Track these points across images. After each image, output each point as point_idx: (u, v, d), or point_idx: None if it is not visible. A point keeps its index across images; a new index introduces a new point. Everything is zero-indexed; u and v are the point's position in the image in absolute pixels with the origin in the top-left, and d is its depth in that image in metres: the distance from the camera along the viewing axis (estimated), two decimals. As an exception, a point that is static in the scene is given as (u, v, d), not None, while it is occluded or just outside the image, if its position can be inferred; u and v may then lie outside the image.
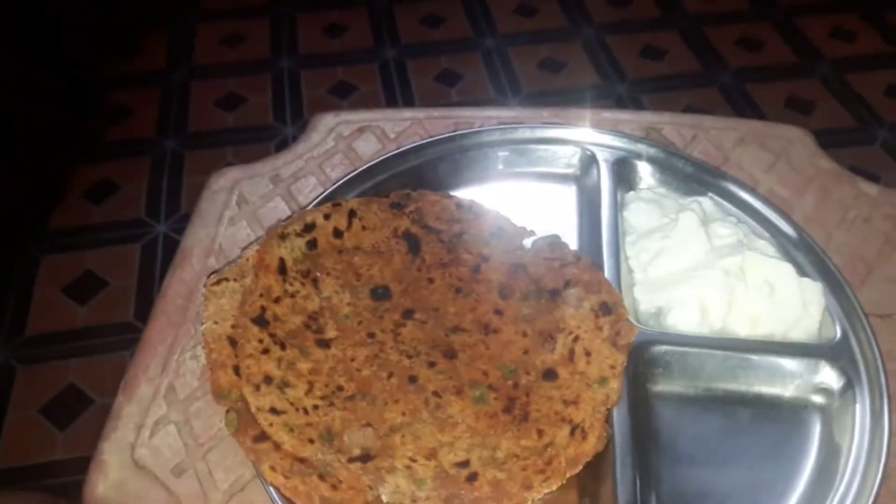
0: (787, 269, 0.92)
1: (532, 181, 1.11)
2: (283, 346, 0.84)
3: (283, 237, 0.92)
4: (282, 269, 0.90)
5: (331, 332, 0.88)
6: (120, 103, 2.53)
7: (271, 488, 0.75)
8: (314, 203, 1.01)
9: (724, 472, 0.82)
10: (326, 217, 0.96)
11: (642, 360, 0.87)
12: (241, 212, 1.06)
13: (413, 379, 0.84)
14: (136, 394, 0.87)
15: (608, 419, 0.81)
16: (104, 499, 0.79)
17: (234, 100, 2.55)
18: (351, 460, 0.77)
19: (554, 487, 0.75)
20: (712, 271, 0.91)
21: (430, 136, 1.12)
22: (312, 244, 0.94)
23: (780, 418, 0.86)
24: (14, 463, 1.72)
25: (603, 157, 1.07)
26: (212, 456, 0.82)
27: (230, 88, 2.59)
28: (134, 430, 0.84)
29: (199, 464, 0.81)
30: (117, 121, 2.47)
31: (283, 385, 0.81)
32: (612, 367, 0.84)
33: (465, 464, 0.77)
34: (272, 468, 0.75)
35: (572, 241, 1.00)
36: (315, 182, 1.09)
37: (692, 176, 1.07)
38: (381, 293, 0.92)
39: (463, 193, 1.05)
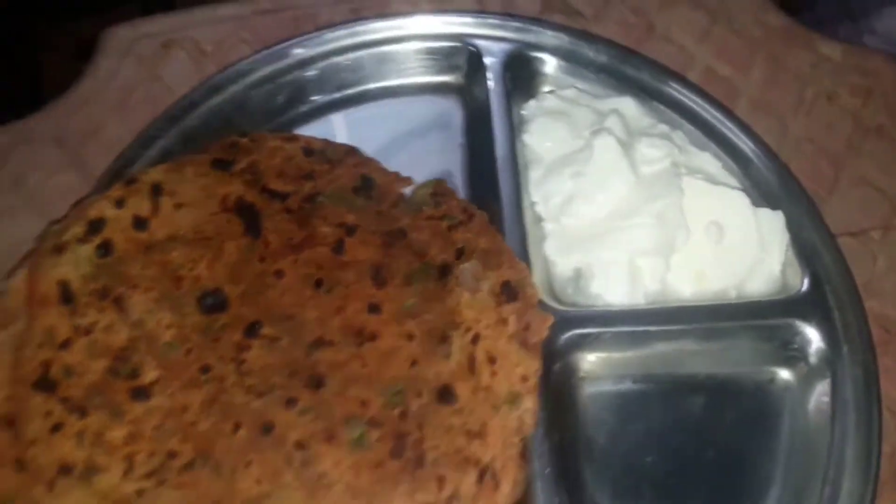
0: (739, 201, 0.71)
1: (405, 99, 0.84)
2: (82, 413, 0.61)
3: (59, 249, 0.66)
4: (65, 297, 0.65)
5: (150, 374, 0.64)
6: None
7: None
8: (106, 177, 0.74)
9: (685, 488, 0.66)
10: (119, 203, 0.69)
11: (559, 350, 0.67)
12: (20, 197, 0.78)
13: (268, 428, 0.63)
14: None
15: (524, 452, 0.62)
16: None
17: None
18: (195, 566, 0.57)
19: (464, 559, 0.58)
20: (642, 219, 0.70)
21: (263, 46, 0.83)
22: (105, 248, 0.67)
23: (742, 401, 0.69)
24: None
25: (490, 54, 0.80)
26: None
27: None
28: None
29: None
30: None
31: (90, 471, 0.60)
32: (524, 377, 0.64)
33: (347, 541, 0.59)
34: None
35: (463, 183, 0.78)
36: (113, 136, 0.81)
37: (607, 67, 0.82)
38: (212, 302, 0.68)
39: (312, 130, 0.79)
